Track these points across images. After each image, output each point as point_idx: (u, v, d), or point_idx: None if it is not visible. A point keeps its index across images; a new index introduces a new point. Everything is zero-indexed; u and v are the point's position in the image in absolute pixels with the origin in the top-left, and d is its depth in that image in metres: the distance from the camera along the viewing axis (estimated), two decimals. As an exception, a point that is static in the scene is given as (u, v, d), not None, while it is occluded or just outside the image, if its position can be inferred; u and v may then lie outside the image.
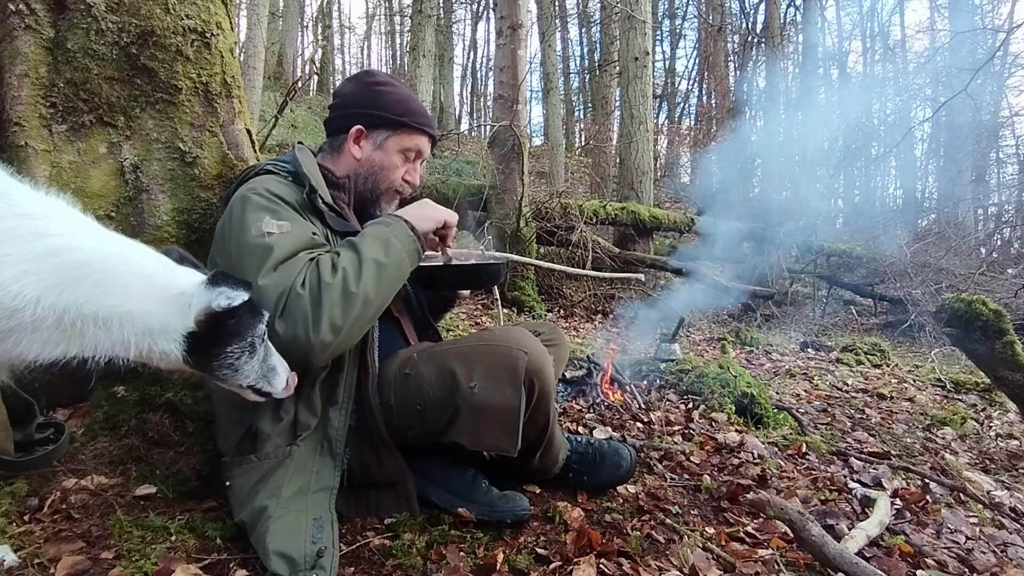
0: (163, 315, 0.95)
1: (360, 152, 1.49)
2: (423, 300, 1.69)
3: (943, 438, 2.85)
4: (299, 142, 1.51)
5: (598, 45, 16.57)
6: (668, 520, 1.49)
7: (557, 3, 17.90)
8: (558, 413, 2.21)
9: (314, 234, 1.29)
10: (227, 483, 1.30)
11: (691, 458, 1.96)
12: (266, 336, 1.08)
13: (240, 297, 0.95)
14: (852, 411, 3.20)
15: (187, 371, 1.05)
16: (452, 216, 1.42)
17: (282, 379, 1.10)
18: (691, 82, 20.32)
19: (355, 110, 1.49)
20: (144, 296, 0.94)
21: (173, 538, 1.23)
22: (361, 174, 1.50)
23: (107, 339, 0.93)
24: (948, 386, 4.17)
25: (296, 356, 1.16)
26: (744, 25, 17.26)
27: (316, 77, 19.50)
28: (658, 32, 18.60)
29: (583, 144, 19.41)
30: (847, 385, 3.98)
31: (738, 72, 17.27)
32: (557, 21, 17.41)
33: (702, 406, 2.71)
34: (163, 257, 1.02)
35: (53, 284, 0.88)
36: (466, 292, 1.79)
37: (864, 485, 1.91)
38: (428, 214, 1.38)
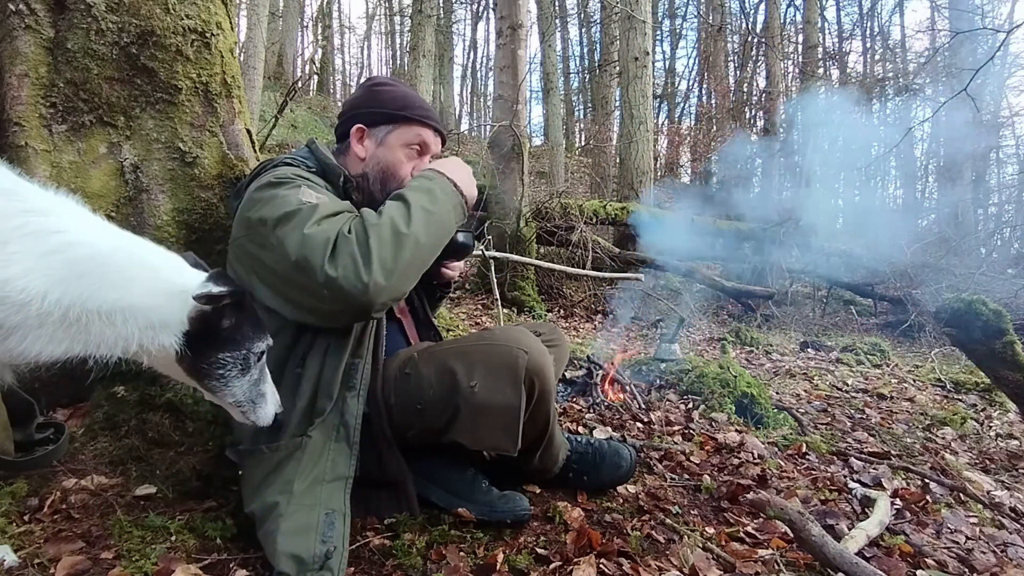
0: (166, 309, 0.95)
1: (364, 151, 1.49)
2: (424, 300, 1.69)
3: (943, 438, 2.85)
4: (312, 140, 1.50)
5: (598, 45, 16.57)
6: (668, 520, 1.49)
7: (557, 3, 17.91)
8: (558, 413, 2.21)
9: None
10: (240, 472, 1.29)
11: (691, 458, 1.96)
12: (264, 360, 1.08)
13: (221, 289, 0.94)
14: (852, 411, 3.20)
15: (180, 376, 1.05)
16: (475, 194, 1.42)
17: (269, 411, 1.10)
18: (691, 82, 20.33)
19: (356, 112, 1.50)
20: (147, 290, 0.95)
21: (173, 538, 1.23)
22: (369, 174, 1.48)
23: (111, 334, 0.93)
24: (948, 386, 4.17)
25: (353, 301, 1.15)
26: (744, 25, 17.27)
27: (316, 77, 19.49)
28: (658, 32, 18.60)
29: (583, 144, 19.40)
30: (847, 385, 3.98)
31: (738, 72, 17.27)
32: (557, 21, 17.40)
33: (702, 406, 2.71)
34: (173, 255, 1.02)
35: (58, 279, 0.88)
36: (454, 275, 1.73)
37: (864, 485, 1.91)
38: (469, 180, 1.38)
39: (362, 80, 1.60)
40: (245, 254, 1.29)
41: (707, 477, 1.79)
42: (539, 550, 1.30)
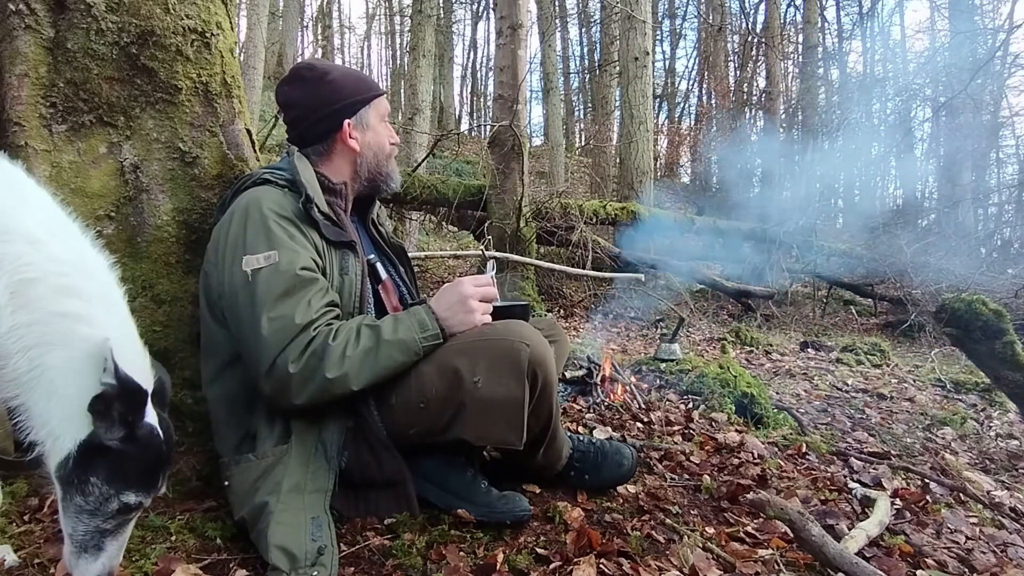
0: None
1: (357, 144, 1.52)
2: (418, 297, 1.69)
3: (943, 438, 2.85)
4: (298, 149, 1.51)
5: (598, 45, 16.57)
6: (668, 520, 1.49)
7: (557, 3, 17.89)
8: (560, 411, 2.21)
9: (303, 268, 1.30)
10: (226, 483, 1.30)
11: (691, 458, 1.96)
12: (125, 523, 0.97)
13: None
14: (852, 411, 3.21)
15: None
16: (485, 291, 1.40)
17: (89, 570, 0.94)
18: (691, 82, 20.35)
19: (327, 110, 1.50)
20: (88, 385, 0.89)
21: (173, 538, 1.23)
22: (365, 162, 1.54)
23: (43, 409, 0.91)
24: (948, 386, 4.17)
25: (279, 396, 1.26)
26: (744, 25, 17.27)
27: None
28: (658, 32, 18.59)
29: (583, 144, 19.39)
30: (847, 385, 3.99)
31: (738, 72, 17.27)
32: (557, 21, 17.39)
33: (702, 406, 2.71)
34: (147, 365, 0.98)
35: (52, 344, 0.90)
36: None
37: (864, 485, 1.91)
38: (467, 319, 1.36)
39: (293, 73, 1.57)
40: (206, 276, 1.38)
41: (707, 477, 1.78)
42: (539, 550, 1.30)
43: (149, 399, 0.93)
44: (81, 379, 0.89)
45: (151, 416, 0.93)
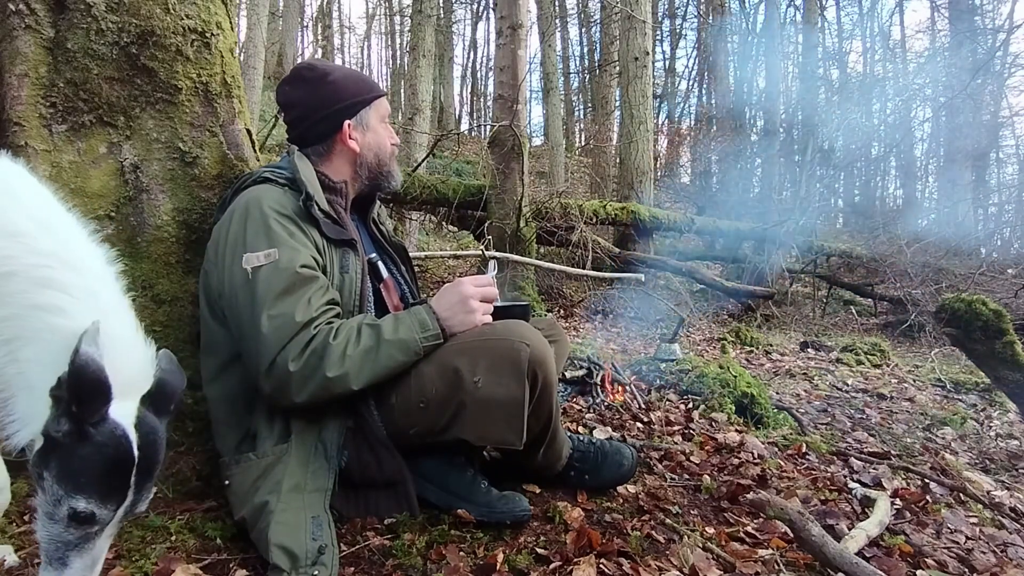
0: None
1: (357, 144, 1.53)
2: (419, 297, 1.69)
3: (943, 438, 2.85)
4: (299, 149, 1.52)
5: (598, 45, 16.57)
6: (668, 520, 1.49)
7: (557, 3, 17.88)
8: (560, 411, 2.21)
9: (304, 266, 1.30)
10: (226, 482, 1.30)
11: (691, 458, 1.96)
12: (86, 532, 0.86)
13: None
14: (852, 411, 3.21)
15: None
16: (485, 291, 1.41)
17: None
18: (691, 82, 20.35)
19: (328, 111, 1.50)
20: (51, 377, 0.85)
21: (173, 538, 1.23)
22: (365, 162, 1.55)
23: (19, 403, 0.88)
24: (948, 386, 4.17)
25: (279, 394, 1.26)
26: (744, 25, 17.28)
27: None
28: (658, 32, 18.58)
29: (583, 144, 19.40)
30: (847, 385, 3.99)
31: (738, 72, 17.28)
32: (557, 21, 17.37)
33: (702, 406, 2.71)
34: (148, 353, 0.95)
35: (27, 338, 0.87)
36: None
37: (864, 485, 1.91)
38: (467, 319, 1.37)
39: (294, 73, 1.58)
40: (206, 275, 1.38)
41: (707, 477, 1.78)
42: (539, 550, 1.30)
43: (115, 395, 0.84)
44: (52, 372, 0.84)
45: (122, 416, 0.86)
